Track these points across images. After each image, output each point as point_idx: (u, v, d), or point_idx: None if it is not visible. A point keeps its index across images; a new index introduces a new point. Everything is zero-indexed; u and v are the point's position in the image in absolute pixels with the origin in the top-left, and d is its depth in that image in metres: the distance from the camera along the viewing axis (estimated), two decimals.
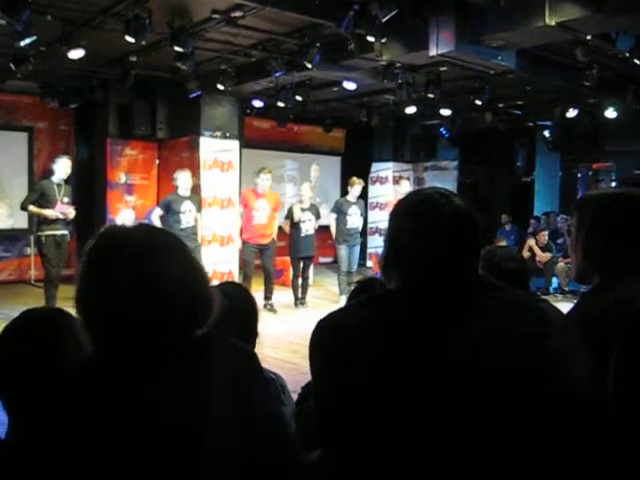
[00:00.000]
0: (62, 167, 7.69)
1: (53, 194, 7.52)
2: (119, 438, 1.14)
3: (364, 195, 12.83)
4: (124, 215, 8.04)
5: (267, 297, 8.57)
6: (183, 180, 8.29)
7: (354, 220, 9.21)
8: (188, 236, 8.12)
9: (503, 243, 10.64)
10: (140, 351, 1.20)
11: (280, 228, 9.17)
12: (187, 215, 8.19)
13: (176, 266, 1.24)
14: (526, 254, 10.29)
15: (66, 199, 7.64)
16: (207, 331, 1.30)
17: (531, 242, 10.67)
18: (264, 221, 8.65)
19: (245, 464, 1.21)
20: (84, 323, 1.22)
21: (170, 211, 8.13)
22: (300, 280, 9.15)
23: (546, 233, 10.79)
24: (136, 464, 1.14)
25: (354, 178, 9.53)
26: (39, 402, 1.28)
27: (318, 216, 9.11)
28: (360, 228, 9.47)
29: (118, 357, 1.20)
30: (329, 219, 9.45)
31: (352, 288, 2.69)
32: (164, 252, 1.25)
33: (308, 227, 8.91)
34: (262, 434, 1.25)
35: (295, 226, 8.93)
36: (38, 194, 7.55)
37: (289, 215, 9.01)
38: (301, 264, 9.05)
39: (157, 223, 8.04)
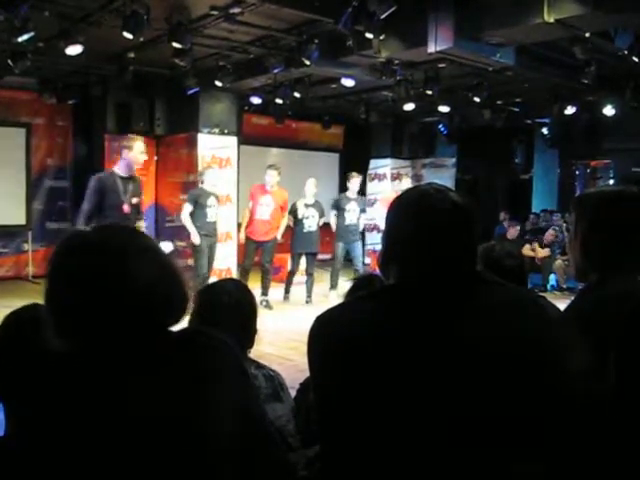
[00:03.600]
0: (134, 154, 6.03)
1: (117, 190, 5.95)
2: (87, 432, 1.15)
3: (363, 192, 12.84)
4: None
5: (263, 293, 8.58)
6: (212, 175, 8.33)
7: (352, 217, 9.15)
8: (211, 231, 8.18)
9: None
10: (111, 350, 1.20)
11: (288, 226, 9.19)
12: (212, 210, 8.22)
13: (140, 267, 1.23)
14: (527, 252, 10.31)
15: (135, 199, 6.14)
16: (185, 327, 1.32)
17: (534, 245, 10.67)
18: (266, 217, 8.67)
19: (223, 456, 1.21)
20: (55, 322, 1.22)
21: (197, 205, 8.13)
22: (305, 277, 9.16)
23: (553, 232, 10.76)
24: (113, 456, 1.15)
25: (351, 172, 9.52)
26: (26, 394, 1.29)
27: (322, 213, 9.10)
28: (360, 225, 9.40)
29: (89, 355, 1.21)
30: (329, 216, 9.44)
31: (351, 285, 2.69)
32: (127, 254, 1.24)
33: (311, 223, 8.93)
34: (239, 426, 1.25)
35: (298, 222, 8.95)
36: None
37: (292, 211, 9.02)
38: (302, 260, 9.05)
39: (188, 221, 8.00)
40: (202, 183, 8.31)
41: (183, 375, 1.21)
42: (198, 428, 1.19)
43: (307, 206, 8.95)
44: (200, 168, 9.70)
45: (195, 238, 7.93)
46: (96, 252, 1.22)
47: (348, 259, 9.41)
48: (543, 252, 10.58)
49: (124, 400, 1.16)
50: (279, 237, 8.89)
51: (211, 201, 8.21)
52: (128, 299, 1.20)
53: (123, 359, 1.20)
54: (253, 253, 8.74)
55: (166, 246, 7.86)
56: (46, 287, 1.23)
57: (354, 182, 9.22)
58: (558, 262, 10.49)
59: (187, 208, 8.11)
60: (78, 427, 1.15)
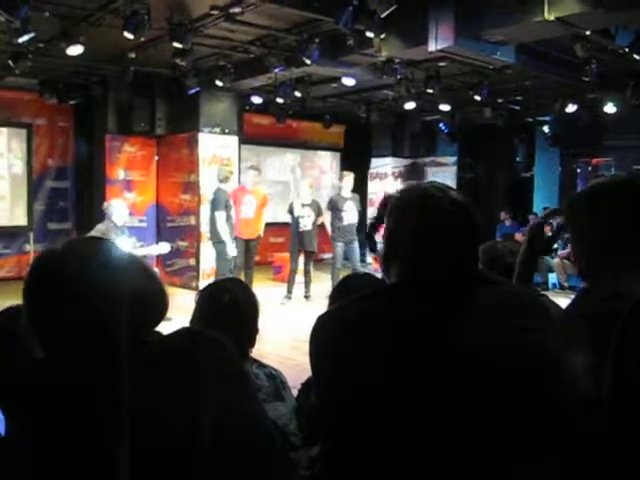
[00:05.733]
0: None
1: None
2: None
3: (364, 191, 12.85)
4: (117, 206, 7.71)
5: None
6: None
7: (350, 216, 9.11)
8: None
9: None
10: (87, 358, 1.20)
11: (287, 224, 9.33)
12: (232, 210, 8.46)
13: (109, 279, 1.24)
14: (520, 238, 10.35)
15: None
16: (182, 327, 1.33)
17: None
18: (251, 215, 8.81)
19: (219, 457, 1.21)
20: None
21: (228, 207, 8.29)
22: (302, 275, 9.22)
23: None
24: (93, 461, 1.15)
25: (343, 172, 9.58)
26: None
27: (319, 212, 9.16)
28: (357, 223, 9.40)
29: (65, 363, 1.21)
30: (324, 216, 9.44)
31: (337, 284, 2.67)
32: (95, 268, 1.25)
33: (306, 222, 9.01)
34: (235, 427, 1.25)
35: (294, 221, 9.10)
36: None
37: (290, 210, 9.15)
38: (301, 258, 9.10)
39: (227, 232, 8.16)
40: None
41: (174, 377, 1.21)
42: (189, 430, 1.18)
43: (303, 205, 9.08)
44: (201, 168, 9.74)
45: (232, 250, 8.16)
46: (59, 263, 1.26)
47: (346, 258, 9.41)
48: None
49: (120, 402, 1.16)
50: (261, 234, 9.03)
51: (231, 202, 8.40)
52: (83, 314, 1.20)
53: (104, 365, 1.20)
54: (243, 252, 8.81)
55: (164, 247, 7.90)
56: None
57: (347, 181, 9.18)
58: (556, 261, 10.46)
59: (221, 216, 8.16)
60: (74, 432, 1.15)
